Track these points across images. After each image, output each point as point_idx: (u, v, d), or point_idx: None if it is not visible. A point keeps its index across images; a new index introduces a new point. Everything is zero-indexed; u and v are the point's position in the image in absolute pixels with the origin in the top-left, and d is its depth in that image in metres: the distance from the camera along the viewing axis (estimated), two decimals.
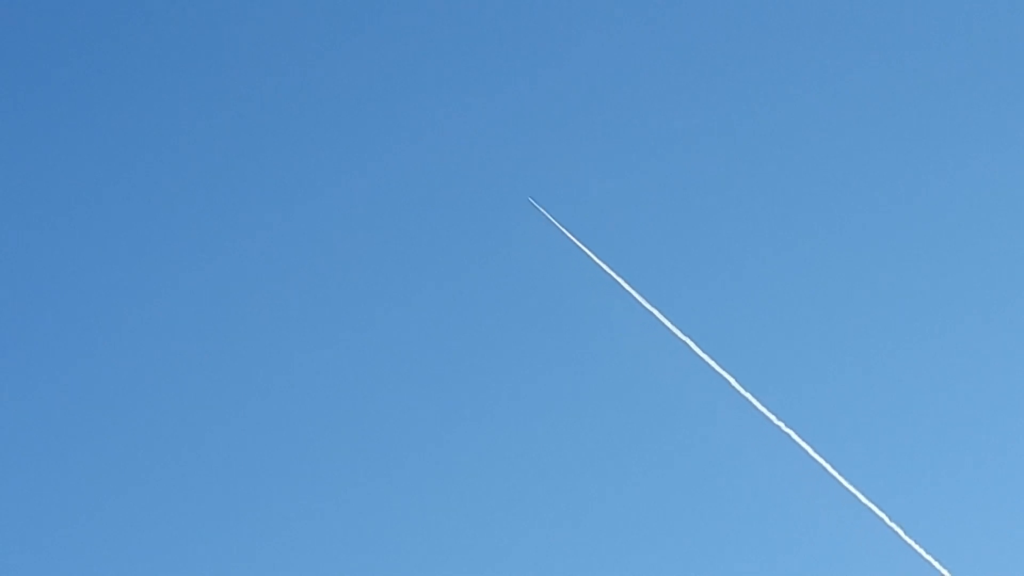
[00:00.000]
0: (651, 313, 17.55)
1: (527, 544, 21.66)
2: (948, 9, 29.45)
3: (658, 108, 32.83)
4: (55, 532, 26.45)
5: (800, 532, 20.87)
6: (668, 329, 17.58)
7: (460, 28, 34.44)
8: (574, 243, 18.45)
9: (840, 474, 15.97)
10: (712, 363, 17.08)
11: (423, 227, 29.97)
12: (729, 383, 16.78)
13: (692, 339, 17.57)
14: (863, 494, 15.81)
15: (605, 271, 18.12)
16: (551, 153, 32.26)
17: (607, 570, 20.67)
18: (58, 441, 26.62)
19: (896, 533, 15.68)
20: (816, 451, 16.24)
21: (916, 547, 15.45)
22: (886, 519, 15.76)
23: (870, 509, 15.77)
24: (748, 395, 16.64)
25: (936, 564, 15.19)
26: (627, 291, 17.79)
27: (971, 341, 25.34)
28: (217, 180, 32.24)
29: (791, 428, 16.43)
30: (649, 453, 25.35)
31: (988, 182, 25.78)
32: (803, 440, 16.30)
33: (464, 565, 21.55)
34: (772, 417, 16.48)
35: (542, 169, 31.37)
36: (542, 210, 18.96)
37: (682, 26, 33.52)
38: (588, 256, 18.29)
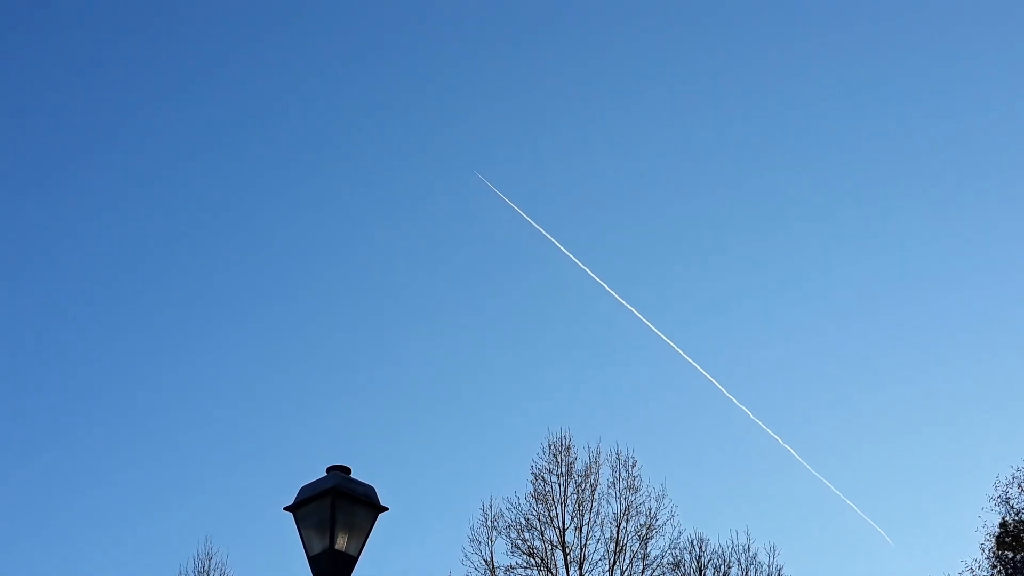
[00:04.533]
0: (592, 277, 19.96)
1: None
2: None
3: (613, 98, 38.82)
4: (54, 530, 30.14)
5: None
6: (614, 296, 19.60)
7: (429, 21, 41.63)
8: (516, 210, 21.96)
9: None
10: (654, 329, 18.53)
11: (394, 196, 44.86)
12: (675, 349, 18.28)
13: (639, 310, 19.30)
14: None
15: (541, 232, 21.39)
16: (497, 131, 40.89)
17: None
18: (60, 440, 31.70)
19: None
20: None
21: None
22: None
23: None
24: (686, 356, 17.56)
25: None
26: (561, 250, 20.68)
27: None
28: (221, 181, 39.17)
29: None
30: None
31: None
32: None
33: None
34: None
35: (488, 146, 40.50)
36: (487, 182, 22.24)
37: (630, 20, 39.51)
38: (526, 219, 21.84)
